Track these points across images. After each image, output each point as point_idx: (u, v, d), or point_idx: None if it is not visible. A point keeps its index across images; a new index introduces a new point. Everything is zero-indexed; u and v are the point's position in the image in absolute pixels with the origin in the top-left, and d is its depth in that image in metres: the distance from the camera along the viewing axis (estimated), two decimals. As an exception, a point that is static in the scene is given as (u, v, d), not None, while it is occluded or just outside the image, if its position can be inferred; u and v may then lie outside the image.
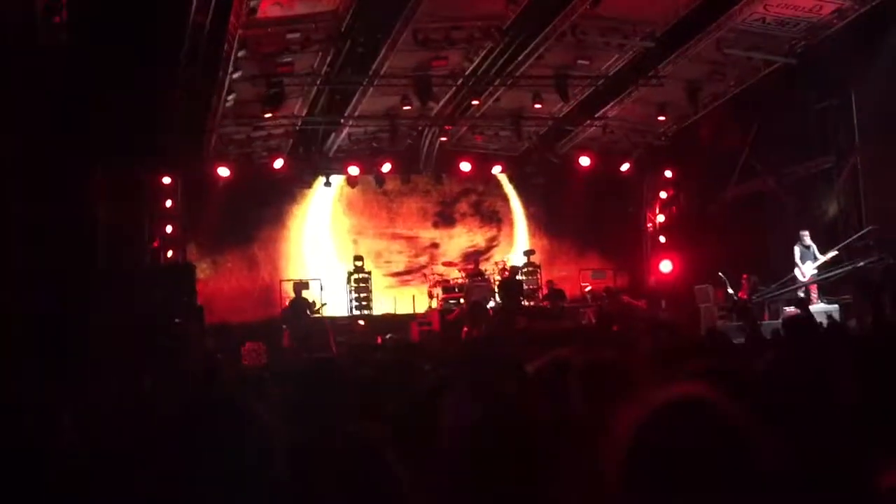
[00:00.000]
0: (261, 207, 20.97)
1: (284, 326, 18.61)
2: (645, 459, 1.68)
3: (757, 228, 18.88)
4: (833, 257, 16.25)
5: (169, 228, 19.23)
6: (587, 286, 21.09)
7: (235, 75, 14.90)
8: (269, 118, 18.06)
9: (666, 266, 21.19)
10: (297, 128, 19.41)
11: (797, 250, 16.60)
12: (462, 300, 19.67)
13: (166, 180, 19.17)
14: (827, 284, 16.64)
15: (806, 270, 16.44)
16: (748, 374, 3.06)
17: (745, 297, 17.16)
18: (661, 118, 19.64)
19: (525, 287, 20.46)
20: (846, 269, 15.95)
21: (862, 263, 15.49)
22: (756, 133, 18.82)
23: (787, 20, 15.29)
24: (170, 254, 19.20)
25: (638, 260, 22.65)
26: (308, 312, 18.70)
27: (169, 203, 19.35)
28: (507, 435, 2.34)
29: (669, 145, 21.14)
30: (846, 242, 16.36)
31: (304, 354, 16.29)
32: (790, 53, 16.32)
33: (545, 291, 20.60)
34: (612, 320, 15.75)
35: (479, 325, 16.48)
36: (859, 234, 16.20)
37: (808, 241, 16.58)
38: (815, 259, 16.39)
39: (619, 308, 17.80)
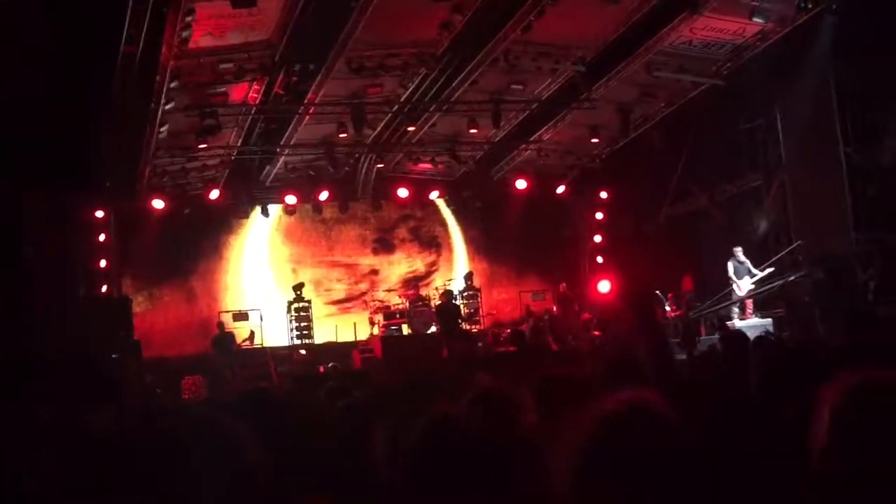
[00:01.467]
0: (197, 239, 20.74)
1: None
2: (595, 466, 1.71)
3: (691, 246, 19.23)
4: (770, 272, 16.58)
5: (103, 262, 18.81)
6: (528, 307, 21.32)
7: (168, 106, 14.73)
8: (203, 149, 17.90)
9: (604, 286, 21.40)
10: (233, 158, 19.27)
11: (731, 266, 16.91)
12: (405, 325, 19.73)
13: (99, 214, 18.76)
14: (760, 299, 16.98)
15: (743, 285, 16.75)
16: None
17: (673, 314, 17.51)
18: (595, 140, 19.93)
19: (463, 311, 20.57)
20: (777, 283, 16.30)
21: (792, 278, 15.86)
22: (688, 153, 19.20)
23: (713, 43, 15.72)
24: (104, 288, 18.78)
25: (576, 280, 22.89)
26: (232, 346, 18.49)
27: (102, 237, 18.95)
28: (454, 456, 2.32)
29: (603, 167, 21.47)
30: (777, 257, 16.73)
31: (241, 385, 16.05)
32: (717, 75, 16.75)
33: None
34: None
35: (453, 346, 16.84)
36: (788, 249, 16.58)
37: (741, 256, 16.90)
38: (752, 274, 16.71)
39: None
